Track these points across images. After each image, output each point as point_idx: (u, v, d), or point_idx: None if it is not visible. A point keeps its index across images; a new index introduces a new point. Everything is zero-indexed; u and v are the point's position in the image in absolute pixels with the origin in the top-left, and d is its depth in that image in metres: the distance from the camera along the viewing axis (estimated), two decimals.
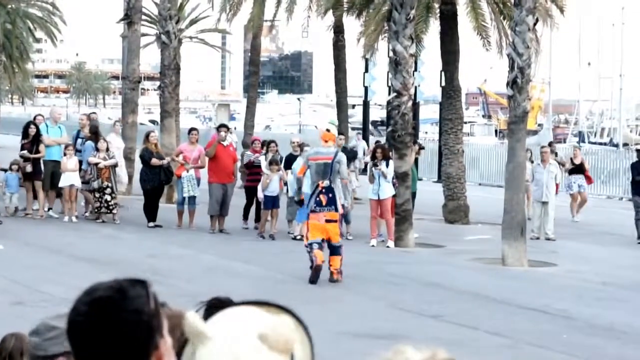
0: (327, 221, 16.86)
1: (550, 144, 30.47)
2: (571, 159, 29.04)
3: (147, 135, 23.70)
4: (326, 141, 17.78)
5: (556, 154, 28.73)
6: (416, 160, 32.50)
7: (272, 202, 22.37)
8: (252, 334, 2.43)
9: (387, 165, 21.65)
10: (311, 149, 19.50)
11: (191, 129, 24.55)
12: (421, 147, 37.38)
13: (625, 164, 29.32)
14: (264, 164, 23.03)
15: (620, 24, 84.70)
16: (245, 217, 23.72)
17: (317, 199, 16.98)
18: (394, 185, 21.73)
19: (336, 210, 17.03)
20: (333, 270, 16.79)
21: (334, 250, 16.85)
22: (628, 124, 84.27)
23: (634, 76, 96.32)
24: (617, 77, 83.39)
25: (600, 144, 73.56)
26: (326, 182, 17.02)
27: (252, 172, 23.42)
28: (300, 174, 18.84)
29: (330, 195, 16.97)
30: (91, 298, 2.41)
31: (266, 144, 24.11)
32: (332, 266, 16.80)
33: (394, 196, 21.73)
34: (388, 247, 21.54)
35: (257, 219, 23.30)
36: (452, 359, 2.59)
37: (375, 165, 21.72)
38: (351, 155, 39.12)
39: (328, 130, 20.65)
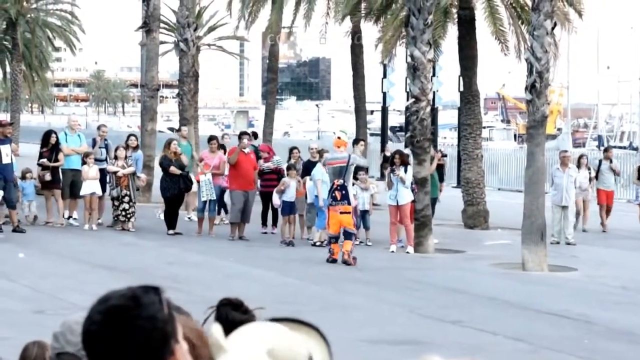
0: (342, 213, 19.84)
1: (607, 150, 30.16)
2: (639, 167, 27.57)
3: (168, 144, 23.76)
4: (339, 147, 20.68)
5: (611, 161, 27.94)
6: (442, 166, 32.59)
7: (289, 208, 22.42)
8: (263, 349, 2.49)
9: (406, 171, 21.64)
10: (328, 154, 21.49)
11: (210, 138, 24.69)
12: (443, 155, 37.47)
13: (607, 166, 29.20)
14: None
15: (639, 27, 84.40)
16: (264, 222, 23.92)
17: (333, 194, 20.05)
18: (413, 191, 21.73)
19: (349, 203, 20.03)
20: (345, 252, 19.46)
21: (348, 236, 19.73)
22: None
23: None
24: (636, 80, 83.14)
25: (620, 147, 73.30)
26: (340, 181, 20.02)
27: (264, 178, 23.75)
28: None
29: (344, 191, 20.01)
30: (105, 307, 2.42)
31: (289, 150, 24.52)
32: (344, 248, 19.55)
33: (413, 202, 21.73)
34: (408, 252, 21.51)
35: (274, 223, 24.07)
36: None
37: (393, 171, 21.72)
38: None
39: (339, 138, 21.31)
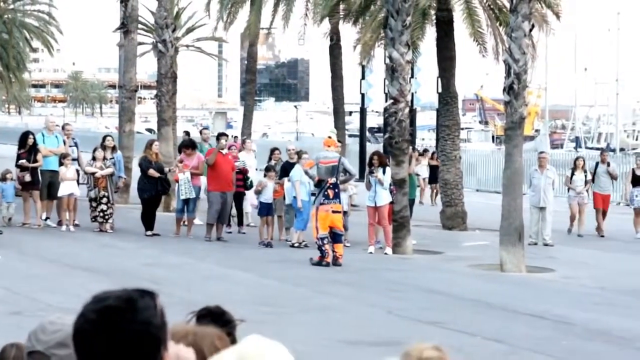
0: (334, 212, 19.95)
1: (603, 152, 29.50)
2: (633, 170, 27.12)
3: (150, 144, 23.71)
4: (329, 146, 20.85)
5: (608, 164, 27.45)
6: (436, 167, 32.61)
7: (267, 209, 22.43)
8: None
9: (384, 172, 21.67)
10: (320, 153, 21.31)
11: (184, 145, 24.67)
12: (420, 154, 37.54)
13: (622, 169, 29.21)
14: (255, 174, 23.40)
15: (616, 29, 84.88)
16: (228, 222, 24.00)
17: (326, 192, 20.05)
18: (391, 192, 21.75)
19: (340, 202, 20.28)
20: (338, 256, 19.67)
21: (337, 238, 19.89)
22: (625, 128, 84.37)
23: (630, 81, 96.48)
24: (613, 82, 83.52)
25: (597, 149, 73.62)
26: (333, 179, 20.17)
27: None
28: (308, 167, 21.68)
29: (336, 190, 20.18)
30: (100, 306, 2.41)
31: (270, 151, 24.63)
32: (336, 252, 19.73)
33: (391, 203, 21.75)
34: (386, 254, 21.54)
35: (240, 222, 24.43)
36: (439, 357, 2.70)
37: (371, 172, 21.75)
38: None
39: (330, 137, 21.32)
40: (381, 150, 24.10)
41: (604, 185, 27.15)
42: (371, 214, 21.71)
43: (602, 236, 26.19)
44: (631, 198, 26.63)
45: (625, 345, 13.10)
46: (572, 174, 26.60)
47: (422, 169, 35.90)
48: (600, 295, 17.24)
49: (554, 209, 24.95)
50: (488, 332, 13.47)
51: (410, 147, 25.08)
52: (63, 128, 25.99)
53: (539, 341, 13.05)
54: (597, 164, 27.65)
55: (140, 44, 36.16)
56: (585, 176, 26.62)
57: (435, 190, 35.06)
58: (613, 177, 27.54)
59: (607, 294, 17.45)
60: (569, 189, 26.93)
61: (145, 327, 2.41)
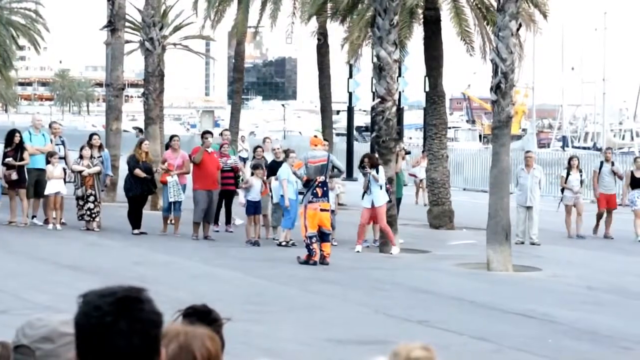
0: (322, 210, 19.95)
1: (607, 151, 28.74)
2: (632, 172, 26.36)
3: (140, 143, 23.68)
4: (316, 145, 21.06)
5: (613, 163, 26.82)
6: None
7: (254, 208, 22.42)
8: None
9: (377, 172, 21.68)
10: (308, 152, 21.32)
11: (172, 137, 24.65)
12: (407, 152, 37.52)
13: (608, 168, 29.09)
14: (248, 171, 23.29)
15: (603, 28, 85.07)
16: (216, 221, 24.03)
17: (314, 191, 20.07)
18: (387, 190, 21.75)
19: (329, 201, 20.31)
20: (326, 255, 19.66)
21: (325, 238, 19.89)
22: (611, 128, 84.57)
23: (617, 80, 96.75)
24: (600, 82, 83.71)
25: (584, 148, 73.80)
26: (322, 177, 20.18)
27: (222, 176, 23.67)
28: (296, 168, 21.56)
29: (325, 188, 20.19)
30: (115, 298, 2.47)
31: (253, 149, 24.53)
32: (324, 251, 19.70)
33: (389, 202, 21.75)
34: (392, 253, 21.42)
35: (228, 221, 24.31)
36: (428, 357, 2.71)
37: (364, 174, 21.68)
38: None
39: (316, 137, 21.38)
40: (369, 150, 24.11)
41: (608, 184, 26.51)
42: (366, 215, 21.61)
43: (612, 238, 25.61)
44: (631, 200, 25.98)
45: (612, 345, 13.13)
46: (568, 174, 26.17)
47: (421, 171, 35.55)
48: (587, 294, 17.29)
49: (541, 208, 25.00)
50: (474, 331, 13.49)
51: (397, 146, 25.07)
52: (50, 126, 25.94)
53: (526, 340, 13.08)
54: (601, 163, 27.05)
55: (127, 42, 36.08)
56: (581, 176, 26.24)
57: None
58: (618, 177, 26.80)
59: (594, 293, 17.50)
60: (563, 190, 26.34)
61: (156, 316, 2.50)
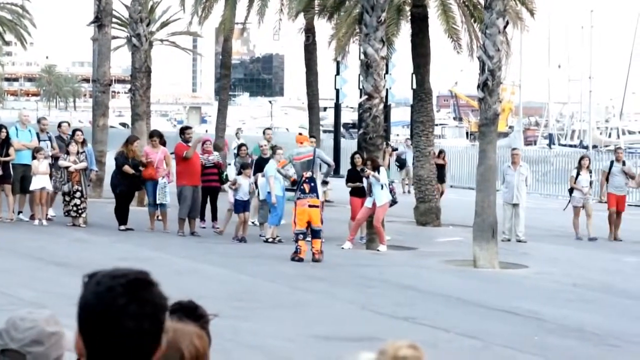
0: (310, 206, 19.73)
1: (617, 150, 27.48)
2: None
3: (132, 142, 23.56)
4: (301, 143, 21.12)
5: (624, 163, 25.81)
6: (443, 166, 32.20)
7: (242, 206, 22.39)
8: None
9: (379, 173, 21.66)
10: (293, 150, 21.46)
11: (151, 134, 24.52)
12: (394, 149, 37.52)
13: (595, 166, 29.17)
14: (232, 170, 23.26)
15: (589, 26, 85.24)
16: (202, 217, 24.09)
17: (302, 187, 19.87)
18: (391, 191, 21.72)
19: (317, 197, 20.03)
20: (315, 252, 19.39)
21: (315, 234, 19.59)
22: (598, 126, 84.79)
23: (604, 78, 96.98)
24: (586, 80, 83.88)
25: (571, 146, 73.99)
26: (309, 173, 20.12)
27: (204, 172, 23.63)
28: (280, 166, 21.66)
29: (313, 184, 19.96)
30: (126, 280, 2.46)
31: (237, 148, 24.40)
32: (314, 248, 19.45)
33: (393, 203, 21.78)
34: (379, 250, 21.43)
35: (214, 218, 24.14)
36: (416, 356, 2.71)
37: (366, 177, 21.58)
38: (400, 163, 39.06)
39: (300, 134, 21.36)
40: (355, 147, 24.11)
41: (619, 185, 25.47)
42: (365, 213, 21.55)
43: (621, 240, 24.89)
44: None
45: (598, 342, 13.16)
46: (577, 174, 25.33)
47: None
48: (573, 292, 17.32)
49: (527, 205, 25.04)
50: (461, 328, 13.50)
51: (385, 143, 25.08)
52: (39, 122, 25.85)
53: (512, 337, 13.10)
54: (611, 162, 26.01)
55: (114, 38, 36.02)
56: (591, 176, 25.46)
57: (441, 191, 34.11)
58: (630, 176, 25.85)
59: (580, 290, 17.53)
60: (571, 191, 25.54)
61: (164, 300, 2.50)
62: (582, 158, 26.26)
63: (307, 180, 19.90)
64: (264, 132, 26.79)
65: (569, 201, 25.75)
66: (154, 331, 2.44)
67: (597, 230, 24.92)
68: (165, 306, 2.48)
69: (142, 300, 2.43)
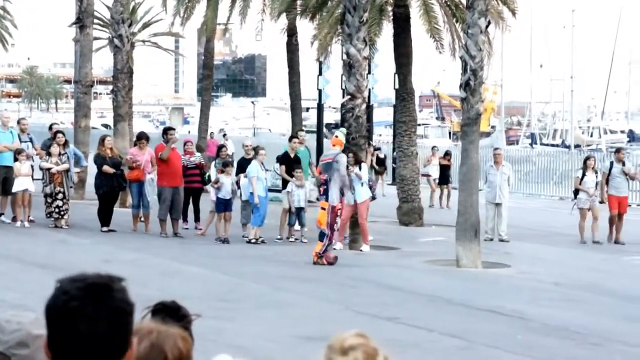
0: (322, 209, 20.01)
1: (619, 150, 26.64)
2: None
3: (102, 140, 23.53)
4: (334, 145, 20.83)
5: (624, 163, 25.04)
6: (447, 167, 32.18)
7: (224, 206, 22.37)
8: None
9: (360, 169, 21.74)
10: (326, 152, 21.64)
11: (139, 136, 24.44)
12: (376, 149, 37.53)
13: (577, 165, 29.22)
14: (213, 171, 23.24)
15: (571, 26, 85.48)
16: (185, 218, 24.07)
17: (319, 189, 20.64)
18: (370, 187, 21.86)
19: (327, 200, 20.00)
20: (313, 254, 19.43)
21: (319, 236, 19.69)
22: (580, 125, 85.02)
23: (585, 78, 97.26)
24: (568, 79, 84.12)
25: (553, 145, 74.16)
26: (326, 176, 20.12)
27: (186, 174, 23.60)
28: (318, 174, 22.05)
29: (326, 187, 20.05)
30: (85, 284, 2.47)
31: (217, 148, 24.34)
32: (314, 250, 19.53)
33: (373, 198, 21.94)
34: (362, 250, 21.49)
35: (197, 219, 24.07)
36: (364, 344, 2.73)
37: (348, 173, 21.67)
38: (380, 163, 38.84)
39: (337, 137, 21.09)
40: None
41: (619, 186, 24.68)
42: (348, 212, 21.60)
43: (623, 244, 24.10)
44: None
45: (581, 341, 13.19)
46: (583, 175, 24.55)
47: (433, 169, 34.90)
48: (556, 291, 17.36)
49: (510, 205, 25.09)
50: (444, 328, 13.51)
51: (367, 143, 25.11)
52: (18, 123, 25.74)
53: (495, 336, 13.12)
54: (611, 163, 25.22)
55: (96, 39, 35.94)
56: (597, 177, 24.59)
57: (446, 191, 34.08)
58: (631, 177, 25.41)
59: (563, 289, 17.57)
60: (576, 193, 24.78)
61: (125, 305, 2.50)
62: (587, 158, 25.41)
63: (323, 183, 20.27)
64: (296, 136, 25.17)
65: (574, 204, 25.01)
66: (112, 335, 2.44)
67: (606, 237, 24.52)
68: (125, 310, 2.49)
69: (98, 304, 2.44)
